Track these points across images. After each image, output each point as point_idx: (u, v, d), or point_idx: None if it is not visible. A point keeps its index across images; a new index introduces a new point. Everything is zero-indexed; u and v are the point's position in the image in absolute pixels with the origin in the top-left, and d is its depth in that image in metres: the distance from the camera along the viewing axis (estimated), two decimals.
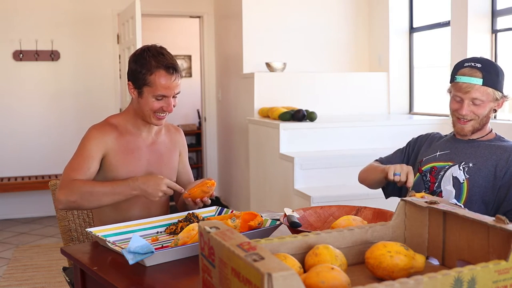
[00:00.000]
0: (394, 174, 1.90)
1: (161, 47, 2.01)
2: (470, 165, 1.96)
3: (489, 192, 1.92)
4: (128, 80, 2.03)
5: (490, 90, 1.92)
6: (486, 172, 1.93)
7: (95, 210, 2.10)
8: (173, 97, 2.01)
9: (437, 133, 2.23)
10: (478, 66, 1.92)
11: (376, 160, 2.29)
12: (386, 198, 2.26)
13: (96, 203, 1.91)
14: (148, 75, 1.95)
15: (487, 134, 2.04)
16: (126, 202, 2.01)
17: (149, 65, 1.95)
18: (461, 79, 1.94)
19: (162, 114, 2.01)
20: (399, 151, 2.28)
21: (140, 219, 1.90)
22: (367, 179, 2.20)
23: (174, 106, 2.02)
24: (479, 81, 1.91)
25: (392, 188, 2.19)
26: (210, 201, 2.01)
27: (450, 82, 2.02)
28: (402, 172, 1.90)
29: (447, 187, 1.98)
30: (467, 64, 1.95)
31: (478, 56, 2.08)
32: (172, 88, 1.97)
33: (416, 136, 2.28)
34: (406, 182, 1.89)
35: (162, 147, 2.12)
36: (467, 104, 1.94)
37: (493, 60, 3.86)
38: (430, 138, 2.20)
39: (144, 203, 2.06)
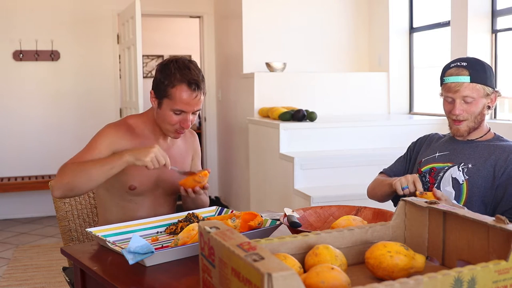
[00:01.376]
0: (403, 189, 1.90)
1: (189, 61, 1.96)
2: (469, 166, 1.96)
3: (489, 192, 1.92)
4: (152, 89, 1.99)
5: (479, 86, 1.93)
6: (485, 173, 1.93)
7: (100, 209, 2.09)
8: (193, 113, 1.96)
9: (436, 133, 2.24)
10: (464, 64, 1.94)
11: (381, 172, 2.29)
12: (395, 206, 2.26)
13: (88, 180, 1.81)
14: (169, 87, 1.91)
15: (485, 134, 2.04)
16: (133, 204, 2.01)
17: (172, 77, 1.90)
18: (449, 79, 1.96)
19: (181, 130, 1.97)
20: (401, 158, 2.28)
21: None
22: (376, 194, 2.19)
23: (192, 123, 1.97)
24: (466, 78, 1.93)
25: (401, 198, 2.18)
26: (202, 191, 1.95)
27: (440, 85, 2.04)
28: (409, 183, 1.89)
29: (446, 188, 1.98)
30: (453, 65, 1.98)
31: (465, 56, 2.10)
32: (192, 105, 1.92)
33: (415, 139, 2.28)
34: (416, 190, 1.89)
35: (176, 152, 2.09)
36: (458, 103, 1.95)
37: (493, 60, 3.86)
38: (429, 139, 2.20)
39: (151, 206, 2.05)
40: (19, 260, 4.24)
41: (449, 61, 2.05)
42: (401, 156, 2.29)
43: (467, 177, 1.95)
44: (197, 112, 1.98)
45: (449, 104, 1.99)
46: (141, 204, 2.02)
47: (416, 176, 1.91)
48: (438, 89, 2.06)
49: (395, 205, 2.23)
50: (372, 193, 2.23)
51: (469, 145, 2.02)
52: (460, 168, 1.97)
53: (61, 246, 2.11)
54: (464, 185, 1.94)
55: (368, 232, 1.32)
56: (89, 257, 1.64)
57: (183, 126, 1.95)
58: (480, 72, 1.94)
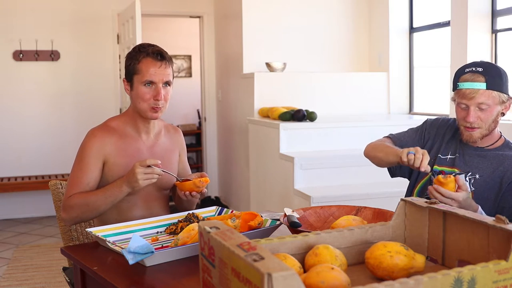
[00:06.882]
0: (408, 153, 1.79)
1: (152, 44, 2.05)
2: (477, 176, 1.91)
3: (493, 203, 1.89)
4: (124, 79, 2.06)
5: (495, 93, 1.86)
6: (492, 184, 1.89)
7: None
8: (164, 86, 1.98)
9: (452, 123, 2.09)
10: (480, 70, 1.86)
11: (387, 136, 2.19)
12: (392, 177, 2.20)
13: (96, 212, 1.93)
14: (136, 64, 1.98)
15: (495, 142, 1.97)
16: (127, 203, 2.01)
17: (137, 55, 1.99)
18: (464, 85, 1.88)
19: (156, 105, 1.97)
20: (412, 130, 2.18)
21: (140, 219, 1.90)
22: (376, 157, 2.07)
23: (167, 98, 1.99)
24: (482, 85, 1.85)
25: (398, 168, 2.12)
26: (198, 196, 1.97)
27: (453, 90, 1.96)
28: (417, 153, 1.78)
29: None
30: (468, 70, 1.89)
31: (478, 60, 2.02)
32: (160, 75, 1.97)
33: (427, 120, 2.18)
34: (420, 165, 1.76)
35: (162, 149, 2.11)
36: (473, 110, 1.88)
37: (493, 60, 3.86)
38: (448, 130, 2.08)
39: (144, 203, 2.06)
40: (19, 260, 4.24)
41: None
42: (413, 128, 2.18)
43: (473, 189, 1.90)
44: (169, 86, 2.00)
45: (462, 110, 1.92)
46: (135, 203, 2.03)
47: (426, 152, 1.79)
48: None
49: (391, 176, 2.18)
50: (372, 154, 2.10)
51: (477, 153, 1.96)
52: (467, 178, 1.92)
53: (61, 246, 2.11)
54: (470, 197, 1.87)
55: (368, 232, 1.32)
56: (89, 257, 1.64)
57: (156, 99, 1.96)
58: (496, 78, 1.86)
